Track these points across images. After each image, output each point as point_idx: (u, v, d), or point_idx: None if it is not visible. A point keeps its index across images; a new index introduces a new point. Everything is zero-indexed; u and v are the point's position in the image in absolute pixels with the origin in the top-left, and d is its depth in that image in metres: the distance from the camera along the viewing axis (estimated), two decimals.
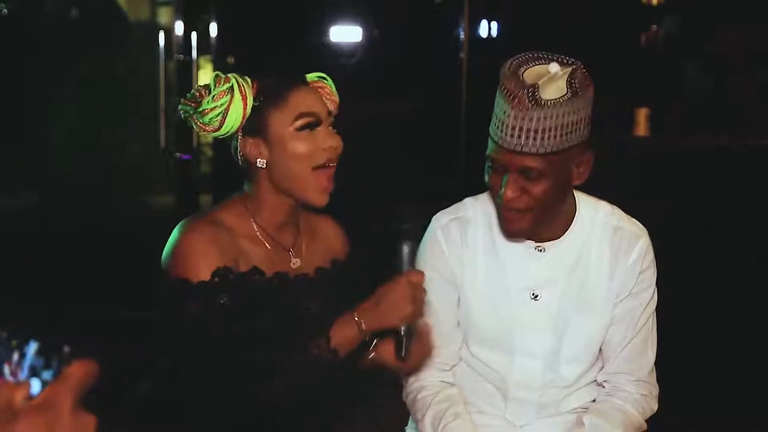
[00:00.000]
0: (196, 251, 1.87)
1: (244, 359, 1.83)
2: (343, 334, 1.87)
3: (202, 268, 1.86)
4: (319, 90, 1.99)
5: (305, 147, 1.91)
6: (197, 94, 1.92)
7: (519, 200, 1.92)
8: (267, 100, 1.92)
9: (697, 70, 5.97)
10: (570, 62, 1.91)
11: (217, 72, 1.94)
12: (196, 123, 1.92)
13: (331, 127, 1.96)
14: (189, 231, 1.89)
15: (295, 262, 2.00)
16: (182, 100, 1.94)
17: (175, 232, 1.91)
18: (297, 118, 1.91)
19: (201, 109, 1.90)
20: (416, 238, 1.90)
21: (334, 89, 2.02)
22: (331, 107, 2.00)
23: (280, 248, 1.99)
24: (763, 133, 5.29)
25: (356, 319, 1.87)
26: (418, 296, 1.87)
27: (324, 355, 1.85)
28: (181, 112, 1.94)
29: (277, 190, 1.95)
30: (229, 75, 1.92)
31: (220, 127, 1.91)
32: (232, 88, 1.90)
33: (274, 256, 1.97)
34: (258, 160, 1.93)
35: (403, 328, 1.88)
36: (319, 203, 1.96)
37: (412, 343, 1.91)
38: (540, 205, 1.93)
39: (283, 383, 1.86)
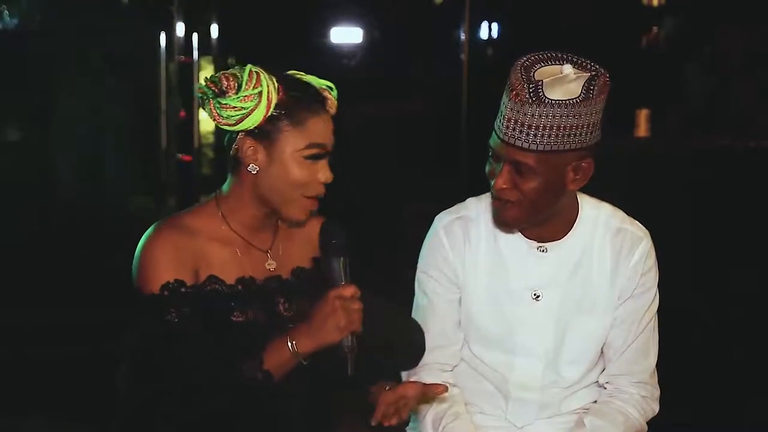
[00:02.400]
0: (151, 262, 1.83)
1: (182, 377, 1.80)
2: (277, 356, 1.83)
3: (154, 280, 1.82)
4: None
5: (304, 175, 1.87)
6: (224, 82, 1.85)
7: (509, 192, 1.94)
8: (287, 114, 1.86)
9: (697, 72, 5.96)
10: (591, 67, 1.92)
11: (250, 66, 1.87)
12: (211, 110, 1.86)
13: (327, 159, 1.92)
14: (150, 239, 1.86)
15: (271, 264, 1.96)
16: (205, 81, 1.88)
17: (142, 238, 1.87)
18: (309, 146, 1.86)
19: (224, 101, 1.84)
20: (345, 252, 1.88)
21: (336, 102, 1.95)
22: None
23: (254, 250, 1.94)
24: (765, 135, 5.28)
25: (289, 341, 1.83)
26: (350, 308, 1.82)
27: (257, 377, 1.82)
28: (199, 93, 1.89)
29: (258, 197, 1.90)
30: (261, 76, 1.85)
31: (235, 125, 1.85)
32: (260, 93, 1.84)
33: (245, 260, 1.93)
34: (251, 164, 1.88)
35: (345, 345, 1.84)
36: (296, 219, 1.93)
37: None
38: (529, 200, 1.94)
39: (225, 401, 1.82)
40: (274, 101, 1.85)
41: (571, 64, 1.92)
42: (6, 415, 3.77)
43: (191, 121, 6.45)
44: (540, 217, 2.01)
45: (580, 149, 1.91)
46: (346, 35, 7.26)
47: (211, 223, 1.91)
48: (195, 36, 6.26)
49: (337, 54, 7.16)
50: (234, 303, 1.88)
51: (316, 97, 1.90)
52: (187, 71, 6.26)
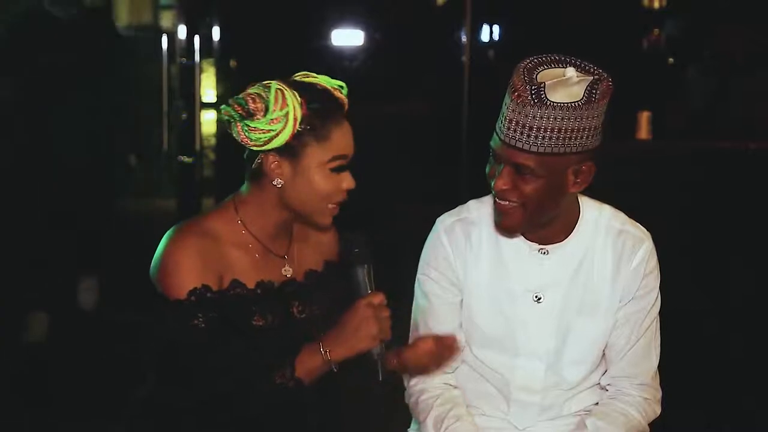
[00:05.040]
0: (177, 267, 1.83)
1: (211, 383, 1.81)
2: (309, 364, 1.85)
3: (180, 286, 1.82)
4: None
5: (329, 186, 1.88)
6: (251, 104, 1.84)
7: (509, 192, 1.94)
8: (311, 129, 1.86)
9: (698, 73, 5.97)
10: (594, 71, 1.92)
11: (275, 85, 1.85)
12: (239, 133, 1.85)
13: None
14: (173, 243, 1.85)
15: (288, 270, 1.97)
16: (231, 102, 1.86)
17: (162, 242, 1.87)
18: (334, 158, 1.88)
19: (252, 125, 1.83)
20: (368, 261, 1.90)
21: (346, 100, 1.94)
22: None
23: (271, 256, 1.96)
24: (766, 136, 5.29)
25: (321, 348, 1.84)
26: (380, 316, 1.86)
27: (288, 384, 1.83)
28: (224, 115, 1.87)
29: (282, 205, 1.92)
30: (286, 94, 1.84)
31: (262, 146, 1.85)
32: (287, 115, 1.83)
33: (263, 264, 1.94)
34: (276, 179, 1.88)
35: (375, 352, 1.87)
36: (324, 225, 1.96)
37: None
38: (530, 202, 1.94)
39: (248, 408, 1.83)
40: (299, 119, 1.84)
41: (575, 67, 1.92)
42: (5, 414, 3.78)
43: (193, 123, 6.46)
44: (541, 220, 2.01)
45: (581, 152, 1.91)
46: (347, 37, 7.27)
47: (231, 228, 1.92)
48: (197, 38, 6.26)
49: (338, 56, 7.17)
50: (255, 307, 1.90)
51: (336, 105, 1.90)
52: (189, 74, 6.26)
